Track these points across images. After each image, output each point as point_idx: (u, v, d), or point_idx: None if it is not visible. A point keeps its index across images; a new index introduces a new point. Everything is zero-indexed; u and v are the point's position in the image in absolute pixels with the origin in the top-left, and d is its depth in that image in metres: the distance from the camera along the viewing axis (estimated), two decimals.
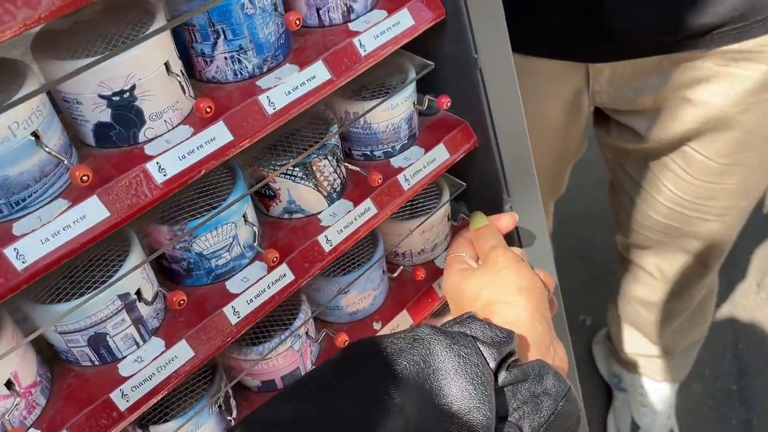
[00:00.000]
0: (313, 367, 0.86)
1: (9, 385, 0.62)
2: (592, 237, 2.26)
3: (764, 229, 2.25)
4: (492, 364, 0.60)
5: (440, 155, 0.88)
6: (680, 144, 1.17)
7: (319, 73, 0.73)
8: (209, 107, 0.64)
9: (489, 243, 0.79)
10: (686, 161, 1.18)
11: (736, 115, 1.09)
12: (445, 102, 0.85)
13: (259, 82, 0.71)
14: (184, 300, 0.66)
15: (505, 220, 0.87)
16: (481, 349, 0.60)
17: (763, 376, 1.94)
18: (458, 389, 0.57)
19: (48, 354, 0.71)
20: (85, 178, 0.58)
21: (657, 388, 1.77)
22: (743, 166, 1.18)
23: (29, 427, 0.65)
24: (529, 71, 1.09)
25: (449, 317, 1.03)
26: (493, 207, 0.96)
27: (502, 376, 0.60)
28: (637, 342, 1.69)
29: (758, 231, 2.24)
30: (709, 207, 1.24)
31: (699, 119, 1.11)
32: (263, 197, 0.82)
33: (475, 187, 0.96)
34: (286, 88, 0.71)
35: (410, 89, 0.85)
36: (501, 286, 0.73)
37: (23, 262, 0.58)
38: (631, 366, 1.78)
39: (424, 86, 0.89)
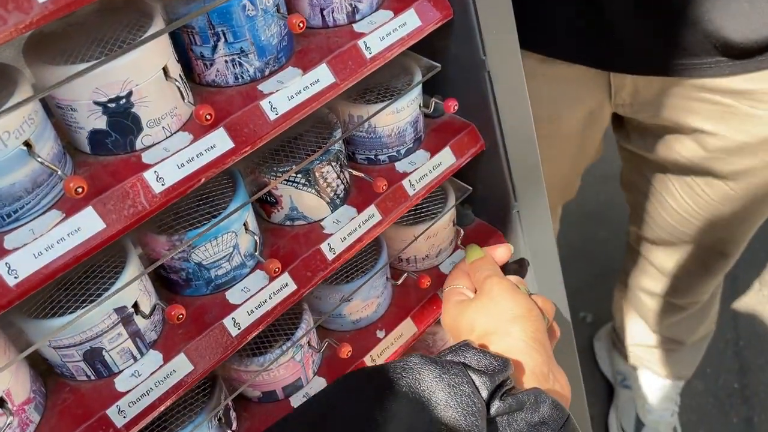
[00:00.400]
0: (304, 401, 0.83)
1: (1, 403, 0.60)
2: (594, 234, 2.25)
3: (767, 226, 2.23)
4: (484, 394, 0.59)
5: (446, 159, 0.85)
6: (702, 166, 1.14)
7: (322, 76, 0.70)
8: (209, 114, 0.61)
9: (484, 274, 0.78)
10: (706, 182, 1.17)
11: (760, 152, 1.07)
12: (453, 106, 0.82)
13: (260, 87, 0.68)
14: (183, 315, 0.64)
15: (500, 252, 0.85)
16: (473, 377, 0.59)
17: (765, 373, 1.92)
18: (448, 420, 0.56)
19: (42, 366, 0.68)
20: (79, 190, 0.55)
21: (663, 386, 1.76)
22: (762, 201, 1.17)
23: None
24: (552, 76, 1.07)
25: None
26: (500, 212, 0.94)
27: (496, 405, 0.59)
28: (643, 333, 1.68)
29: (761, 228, 2.22)
30: (720, 225, 1.23)
31: (722, 151, 1.08)
32: (264, 204, 0.79)
33: (482, 192, 0.94)
34: (288, 93, 0.68)
35: (416, 92, 0.82)
36: (496, 315, 0.72)
37: (15, 278, 0.55)
38: (637, 362, 1.76)
39: (430, 87, 0.86)
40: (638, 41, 0.98)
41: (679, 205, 1.24)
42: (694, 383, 1.89)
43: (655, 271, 1.48)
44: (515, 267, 0.91)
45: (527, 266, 0.96)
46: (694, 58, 0.97)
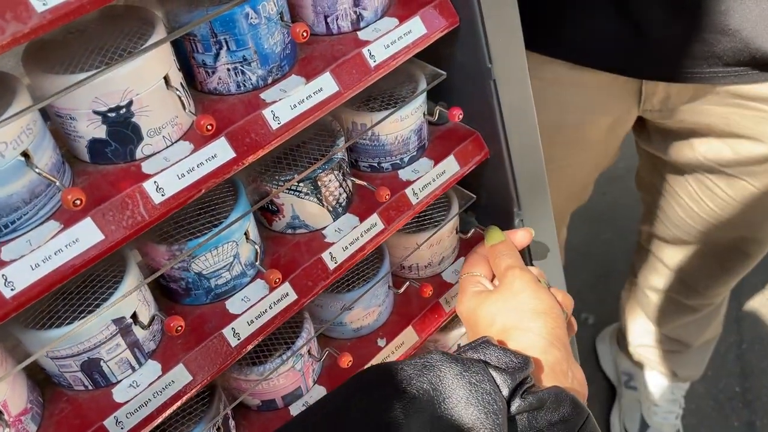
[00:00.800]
0: (322, 395, 0.83)
1: None
2: (597, 236, 2.23)
3: None
4: (505, 392, 0.58)
5: (450, 168, 0.84)
6: (728, 168, 1.12)
7: (326, 85, 0.69)
8: (210, 125, 0.60)
9: (505, 262, 0.76)
10: (729, 184, 1.14)
11: None
12: (457, 114, 0.81)
13: (263, 95, 0.67)
14: (181, 327, 0.63)
15: (521, 235, 0.83)
16: (494, 375, 0.58)
17: (767, 377, 1.92)
18: (469, 418, 0.55)
19: (39, 375, 0.68)
20: (78, 202, 0.54)
21: (669, 387, 1.75)
22: None
23: None
24: (581, 83, 1.05)
25: (455, 332, 1.01)
26: (504, 220, 0.93)
27: (516, 403, 0.58)
28: (650, 333, 1.67)
29: None
30: (742, 224, 1.21)
31: (755, 155, 1.07)
32: (266, 212, 0.78)
33: (485, 199, 0.93)
34: (291, 102, 0.67)
35: (420, 100, 0.81)
36: (517, 310, 0.70)
37: (12, 290, 0.55)
38: (644, 363, 1.75)
39: (434, 94, 0.85)
40: (673, 50, 0.96)
41: (698, 206, 1.22)
42: (694, 386, 1.88)
43: (666, 271, 1.47)
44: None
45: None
46: (730, 67, 0.96)
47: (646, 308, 1.62)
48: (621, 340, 1.83)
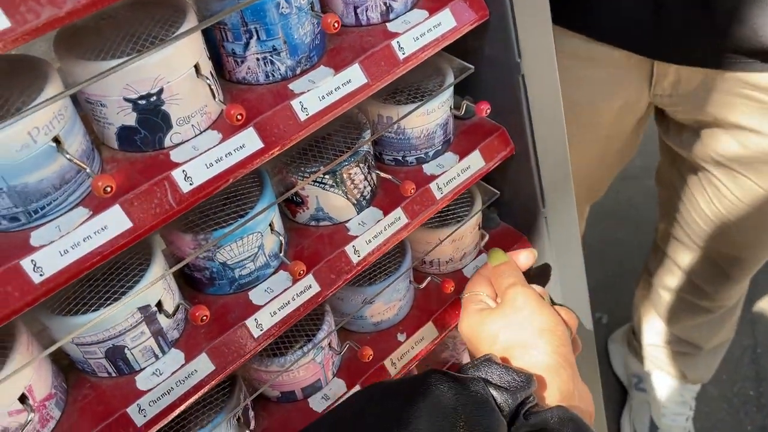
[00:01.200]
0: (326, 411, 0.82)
1: (23, 399, 0.59)
2: (611, 234, 2.22)
3: None
4: (506, 411, 0.58)
5: (475, 163, 0.84)
6: (736, 166, 1.12)
7: (354, 77, 0.69)
8: (240, 115, 0.60)
9: (508, 281, 0.77)
10: (736, 183, 1.15)
11: None
12: (485, 109, 0.80)
13: (291, 86, 0.67)
14: (207, 316, 0.63)
15: (524, 256, 0.84)
16: (495, 395, 0.58)
17: None
18: None
19: (64, 361, 0.68)
20: (108, 189, 0.54)
21: (678, 389, 1.74)
22: None
23: None
24: (595, 59, 1.05)
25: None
26: (527, 216, 0.92)
27: (518, 423, 0.58)
28: (661, 333, 1.66)
29: None
30: (749, 227, 1.21)
31: (762, 149, 1.06)
32: (290, 203, 0.78)
33: (509, 196, 0.92)
34: (320, 93, 0.67)
35: (447, 94, 0.80)
36: (520, 328, 0.70)
37: (41, 275, 0.55)
38: (653, 364, 1.74)
39: (461, 88, 0.84)
40: (686, 31, 0.95)
41: (708, 207, 1.22)
42: (708, 389, 1.87)
43: (679, 271, 1.46)
44: (538, 272, 0.89)
45: (550, 272, 0.94)
46: (740, 54, 0.95)
47: (659, 308, 1.61)
48: (631, 342, 1.82)
